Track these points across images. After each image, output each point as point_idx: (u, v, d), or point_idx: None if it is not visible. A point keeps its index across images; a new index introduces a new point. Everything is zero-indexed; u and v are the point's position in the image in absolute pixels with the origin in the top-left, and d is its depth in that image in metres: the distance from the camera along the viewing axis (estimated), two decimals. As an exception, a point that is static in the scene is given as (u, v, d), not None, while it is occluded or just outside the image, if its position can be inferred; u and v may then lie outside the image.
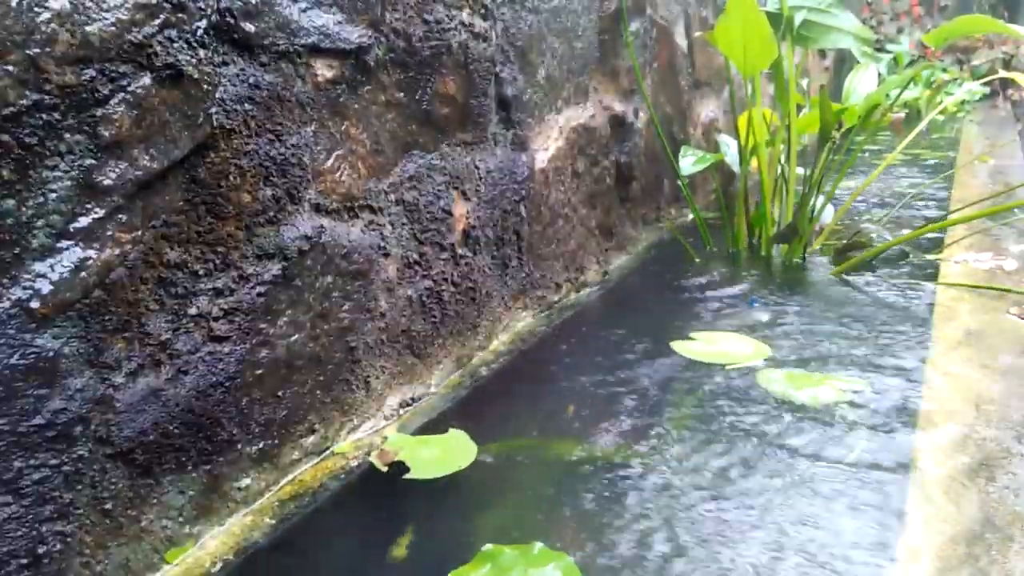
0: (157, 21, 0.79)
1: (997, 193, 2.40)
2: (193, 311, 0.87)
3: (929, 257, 1.92)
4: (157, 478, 0.86)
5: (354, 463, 1.08)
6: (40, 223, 0.71)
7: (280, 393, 1.00)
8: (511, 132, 1.48)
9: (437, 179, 1.27)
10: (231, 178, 0.90)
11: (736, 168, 2.18)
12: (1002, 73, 2.26)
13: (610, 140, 1.93)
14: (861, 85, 2.17)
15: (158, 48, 0.79)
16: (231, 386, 0.93)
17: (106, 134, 0.75)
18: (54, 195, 0.72)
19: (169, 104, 0.82)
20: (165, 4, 0.80)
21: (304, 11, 0.97)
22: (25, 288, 0.71)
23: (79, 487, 0.77)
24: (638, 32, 2.07)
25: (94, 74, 0.74)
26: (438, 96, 1.26)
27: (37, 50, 0.69)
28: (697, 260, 2.05)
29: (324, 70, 1.02)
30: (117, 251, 0.78)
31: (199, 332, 0.88)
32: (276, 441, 1.01)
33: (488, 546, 0.87)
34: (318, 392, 1.06)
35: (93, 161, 0.75)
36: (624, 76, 1.99)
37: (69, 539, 0.77)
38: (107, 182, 0.76)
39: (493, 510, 0.96)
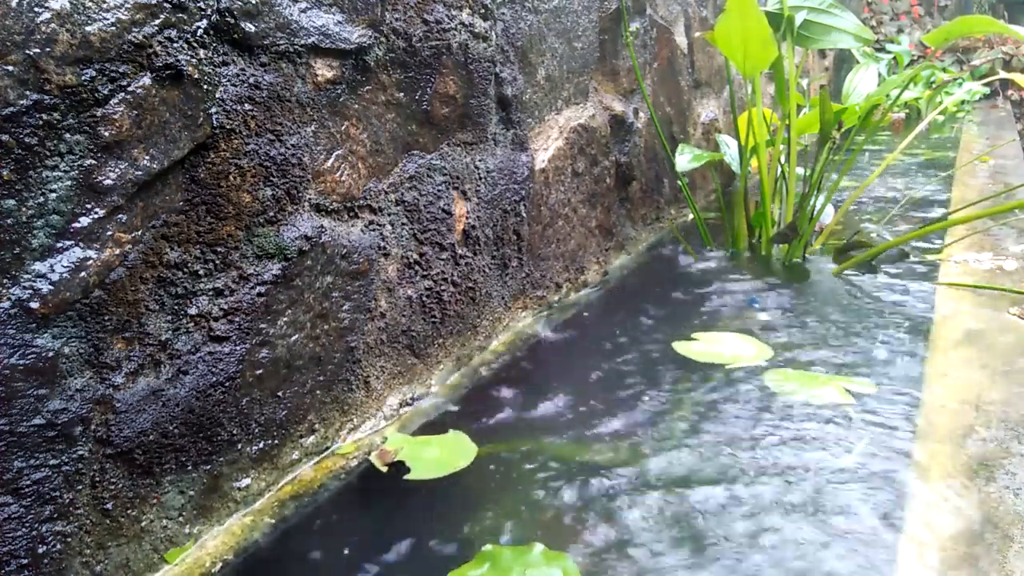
0: (157, 21, 0.79)
1: (997, 193, 2.40)
2: (193, 311, 0.87)
3: (929, 257, 1.92)
4: (157, 478, 0.86)
5: (354, 463, 1.08)
6: (40, 223, 0.71)
7: (280, 393, 1.00)
8: (511, 132, 1.48)
9: (437, 179, 1.27)
10: (231, 178, 0.90)
11: (736, 168, 2.18)
12: (1002, 73, 2.26)
13: (610, 140, 1.93)
14: (861, 85, 2.17)
15: (158, 48, 0.79)
16: (231, 386, 0.93)
17: (106, 134, 0.75)
18: (54, 195, 0.72)
19: (169, 104, 0.82)
20: (165, 4, 0.80)
21: (304, 11, 0.97)
22: (25, 288, 0.71)
23: (79, 487, 0.77)
24: (638, 32, 2.07)
25: (94, 74, 0.74)
26: (438, 96, 1.26)
27: (37, 50, 0.69)
28: (697, 260, 2.05)
29: (324, 70, 1.02)
30: (117, 251, 0.78)
31: (199, 332, 0.88)
32: (276, 441, 1.01)
33: (488, 546, 0.87)
34: (318, 392, 1.07)
35: (93, 161, 0.75)
36: (624, 76, 1.99)
37: (69, 539, 0.77)
38: (107, 182, 0.76)
39: (492, 510, 0.96)
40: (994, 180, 2.74)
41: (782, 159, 2.10)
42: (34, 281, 0.71)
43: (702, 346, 1.44)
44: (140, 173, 0.79)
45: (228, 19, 0.87)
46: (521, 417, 1.20)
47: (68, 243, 0.74)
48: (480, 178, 1.39)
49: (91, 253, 0.76)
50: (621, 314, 1.67)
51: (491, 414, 1.22)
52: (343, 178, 1.07)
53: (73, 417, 0.76)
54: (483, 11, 1.35)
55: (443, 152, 1.28)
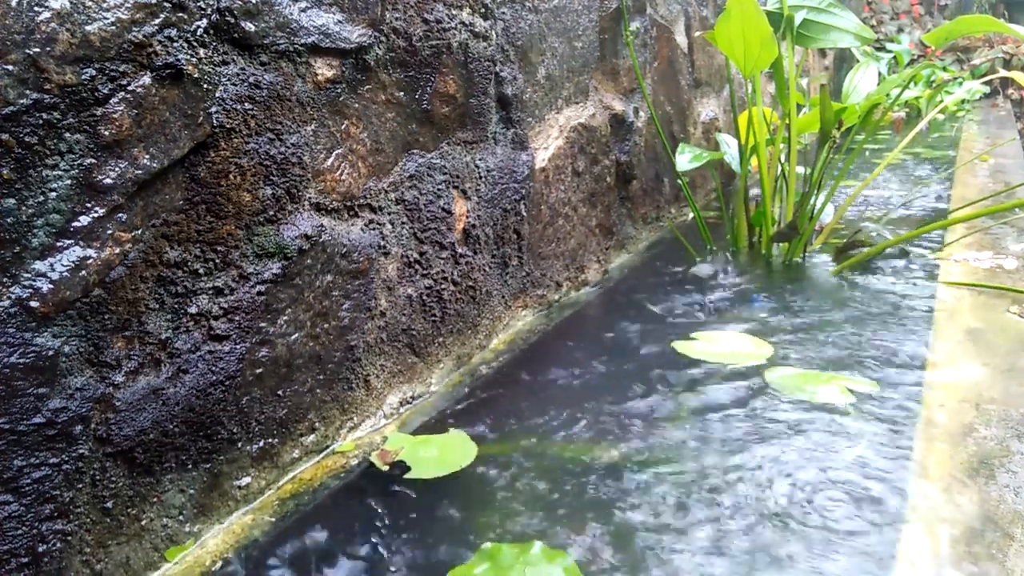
0: (157, 20, 0.79)
1: (997, 192, 2.40)
2: (193, 310, 0.87)
3: (929, 256, 1.92)
4: (157, 477, 0.86)
5: (354, 462, 1.08)
6: (40, 222, 0.71)
7: (280, 392, 1.00)
8: (511, 131, 1.48)
9: (437, 178, 1.27)
10: (231, 177, 0.90)
11: (736, 167, 2.18)
12: (1002, 72, 2.26)
13: (610, 139, 1.93)
14: (861, 84, 2.17)
15: (158, 47, 0.79)
16: (231, 385, 0.93)
17: (106, 133, 0.75)
18: (54, 194, 0.72)
19: (169, 103, 0.82)
20: (165, 3, 0.80)
21: (304, 10, 0.97)
22: (25, 287, 0.71)
23: (79, 486, 0.77)
24: (638, 31, 2.07)
25: (94, 73, 0.74)
26: (438, 95, 1.26)
27: (37, 50, 0.69)
28: (697, 259, 2.05)
29: (324, 69, 1.02)
30: (117, 250, 0.78)
31: (199, 331, 0.89)
32: (276, 440, 1.01)
33: (487, 544, 0.87)
34: (318, 391, 1.07)
35: (93, 160, 0.75)
36: (624, 75, 1.99)
37: (69, 538, 0.77)
38: (107, 181, 0.76)
39: (492, 509, 0.96)
40: (994, 179, 2.74)
41: (782, 158, 2.10)
42: (34, 280, 0.71)
43: (702, 345, 1.44)
44: (140, 172, 0.79)
45: (228, 18, 0.87)
46: (521, 416, 1.20)
47: (68, 242, 0.74)
48: (480, 177, 1.39)
49: (91, 252, 0.76)
50: (621, 313, 1.67)
51: (491, 413, 1.22)
52: (343, 177, 1.07)
53: (73, 416, 0.76)
54: (483, 10, 1.35)
55: (443, 151, 1.28)
